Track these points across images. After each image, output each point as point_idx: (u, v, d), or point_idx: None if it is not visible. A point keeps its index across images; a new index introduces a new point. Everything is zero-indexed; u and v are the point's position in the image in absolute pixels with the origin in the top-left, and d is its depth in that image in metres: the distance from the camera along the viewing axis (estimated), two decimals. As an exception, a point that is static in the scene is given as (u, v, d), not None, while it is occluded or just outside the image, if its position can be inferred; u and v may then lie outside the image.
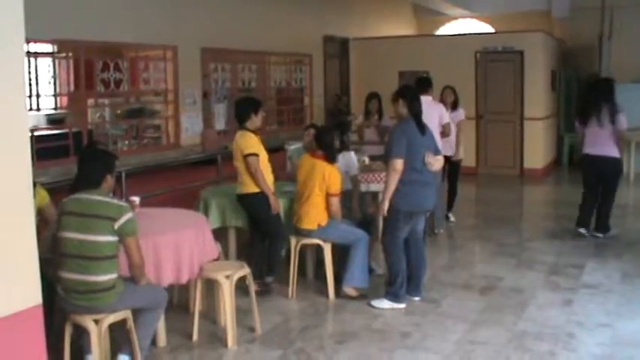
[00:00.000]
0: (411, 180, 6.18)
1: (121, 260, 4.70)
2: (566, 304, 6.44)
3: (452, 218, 10.03)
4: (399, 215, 6.25)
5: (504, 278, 7.25)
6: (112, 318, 4.69)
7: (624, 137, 8.77)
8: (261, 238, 6.87)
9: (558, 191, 13.76)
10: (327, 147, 6.67)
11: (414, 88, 7.02)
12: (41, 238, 4.78)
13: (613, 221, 8.97)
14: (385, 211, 6.23)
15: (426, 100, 8.37)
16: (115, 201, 4.72)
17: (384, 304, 6.40)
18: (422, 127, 6.34)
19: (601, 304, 6.46)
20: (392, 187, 6.17)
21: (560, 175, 15.10)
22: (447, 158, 9.19)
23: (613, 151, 8.59)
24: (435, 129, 8.43)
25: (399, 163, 6.12)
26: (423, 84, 8.89)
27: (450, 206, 10.04)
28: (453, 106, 9.74)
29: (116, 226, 4.52)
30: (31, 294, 3.31)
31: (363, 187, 7.57)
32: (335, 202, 6.58)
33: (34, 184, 4.56)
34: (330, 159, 6.64)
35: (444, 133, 8.86)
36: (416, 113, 6.35)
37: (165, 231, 5.37)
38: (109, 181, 4.79)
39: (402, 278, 6.37)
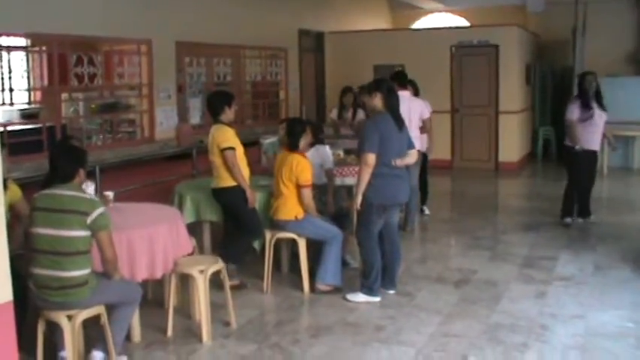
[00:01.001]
0: (383, 173, 6.18)
1: (94, 255, 4.68)
2: (540, 296, 6.50)
3: (426, 211, 10.03)
4: (373, 209, 6.26)
5: (478, 271, 7.30)
6: (86, 314, 4.67)
7: (571, 127, 9.02)
8: (235, 232, 6.84)
9: (533, 184, 13.84)
10: (291, 136, 6.69)
11: (389, 81, 6.92)
12: (14, 233, 4.78)
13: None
14: (359, 205, 6.25)
15: (405, 95, 8.39)
16: (87, 195, 4.70)
17: (359, 297, 6.43)
18: (399, 123, 6.32)
19: (574, 295, 6.52)
20: (365, 181, 6.17)
21: (535, 168, 15.21)
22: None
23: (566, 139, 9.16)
24: (416, 124, 8.48)
25: (371, 158, 6.11)
26: (401, 78, 8.83)
27: (423, 199, 10.04)
28: None
29: (88, 220, 4.50)
30: (1, 290, 3.28)
31: (338, 181, 7.58)
32: (306, 193, 6.57)
33: (6, 180, 4.54)
34: (292, 147, 6.66)
35: (425, 128, 8.85)
36: (393, 107, 6.31)
37: (139, 226, 5.35)
38: (82, 175, 4.76)
39: (376, 272, 6.39)
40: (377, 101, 6.30)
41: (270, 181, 7.10)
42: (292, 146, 6.67)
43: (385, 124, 6.20)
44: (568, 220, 9.26)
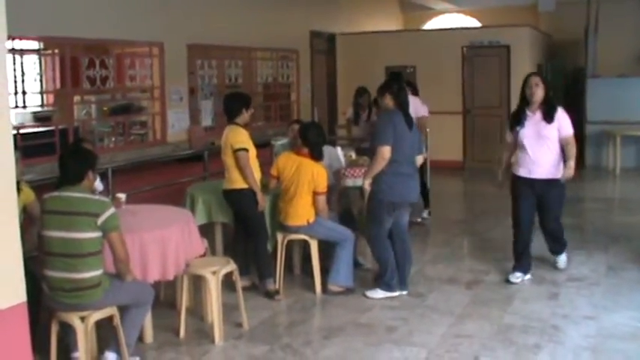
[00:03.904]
0: (394, 172, 6.26)
1: (107, 257, 4.70)
2: (552, 297, 6.48)
3: (425, 215, 9.82)
4: (382, 206, 6.34)
5: (490, 272, 7.29)
6: (99, 315, 4.70)
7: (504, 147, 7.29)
8: (244, 235, 6.84)
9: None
10: (312, 144, 6.65)
11: (400, 81, 7.08)
12: (27, 235, 4.81)
13: (597, 215, 8.94)
14: (367, 185, 6.36)
15: None
16: (96, 197, 4.72)
17: (378, 293, 6.51)
18: (409, 121, 6.40)
19: (586, 296, 6.50)
20: (375, 171, 6.28)
21: (547, 168, 15.10)
22: None
23: None
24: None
25: (386, 151, 6.17)
26: (398, 80, 8.92)
27: (426, 203, 9.89)
28: None
29: (99, 222, 4.52)
30: (15, 292, 3.31)
31: (350, 182, 7.57)
32: (322, 200, 6.59)
33: (19, 182, 4.57)
34: (316, 156, 6.65)
35: (420, 125, 8.93)
36: (403, 106, 6.41)
37: (151, 227, 5.37)
38: (91, 177, 4.78)
39: (391, 267, 6.48)
40: (388, 101, 6.41)
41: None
42: (317, 156, 6.65)
43: (399, 121, 6.29)
44: (513, 277, 6.98)
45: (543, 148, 6.70)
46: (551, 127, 6.66)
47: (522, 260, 7.03)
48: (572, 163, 6.65)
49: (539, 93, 6.67)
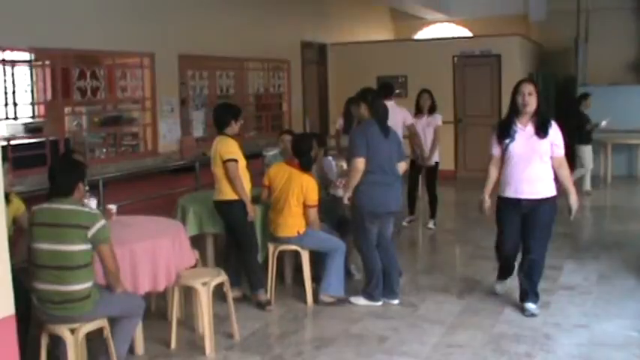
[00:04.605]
0: (372, 181, 6.33)
1: (97, 268, 4.68)
2: (544, 305, 6.45)
3: (430, 225, 9.94)
4: (363, 215, 6.40)
5: (482, 281, 7.28)
6: (89, 327, 4.68)
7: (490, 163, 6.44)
8: (235, 245, 6.80)
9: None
10: (303, 155, 6.66)
11: (375, 90, 7.28)
12: (17, 247, 4.79)
13: (589, 223, 8.96)
14: (346, 200, 6.48)
15: (389, 105, 8.53)
16: (86, 209, 4.70)
17: (360, 301, 6.58)
18: (385, 130, 6.45)
19: (578, 305, 6.50)
20: (353, 184, 6.36)
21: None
22: (413, 162, 9.41)
23: None
24: (398, 133, 8.60)
25: (360, 162, 6.27)
26: (386, 89, 9.05)
27: (432, 214, 9.98)
28: (430, 111, 9.71)
29: (89, 234, 4.50)
30: (3, 304, 3.29)
31: (341, 193, 7.56)
32: (313, 212, 6.60)
33: (9, 194, 4.55)
34: (305, 167, 6.65)
35: (410, 134, 9.19)
36: (378, 115, 6.47)
37: (142, 239, 5.35)
38: (81, 189, 4.76)
39: (376, 278, 6.50)
40: (363, 110, 6.53)
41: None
42: (306, 167, 6.67)
43: (373, 132, 6.36)
44: (498, 286, 6.81)
45: (535, 165, 5.97)
46: (545, 142, 5.93)
47: (505, 272, 6.66)
48: (574, 197, 6.10)
49: (532, 103, 5.90)
